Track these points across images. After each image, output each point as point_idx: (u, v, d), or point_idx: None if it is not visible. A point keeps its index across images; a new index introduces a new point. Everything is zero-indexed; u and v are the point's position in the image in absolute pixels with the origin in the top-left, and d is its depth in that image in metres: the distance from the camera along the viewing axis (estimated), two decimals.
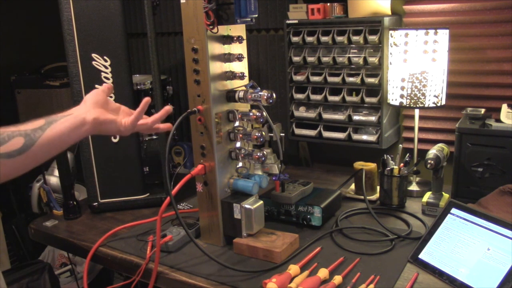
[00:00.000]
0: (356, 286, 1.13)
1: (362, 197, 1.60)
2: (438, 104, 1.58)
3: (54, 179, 1.90)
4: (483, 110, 1.56)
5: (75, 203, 1.66)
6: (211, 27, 1.24)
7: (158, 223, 1.25)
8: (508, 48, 1.59)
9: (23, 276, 1.84)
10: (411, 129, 1.79)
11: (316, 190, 1.55)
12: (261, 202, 1.34)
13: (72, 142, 0.95)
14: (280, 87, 2.06)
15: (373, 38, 1.68)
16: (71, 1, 1.53)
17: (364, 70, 1.75)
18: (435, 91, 1.56)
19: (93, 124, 0.97)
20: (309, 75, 1.85)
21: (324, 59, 1.79)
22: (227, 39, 1.31)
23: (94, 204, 1.67)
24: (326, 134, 1.86)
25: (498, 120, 1.53)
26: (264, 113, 1.31)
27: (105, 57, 1.59)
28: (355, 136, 1.81)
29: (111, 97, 1.60)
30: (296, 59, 1.86)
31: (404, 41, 1.55)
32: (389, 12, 1.74)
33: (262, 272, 1.22)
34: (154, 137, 1.89)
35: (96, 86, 1.59)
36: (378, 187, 1.64)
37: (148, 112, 1.09)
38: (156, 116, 1.12)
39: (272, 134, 1.33)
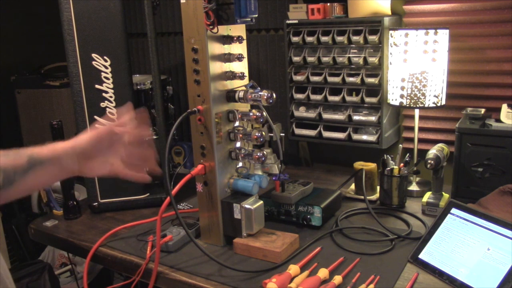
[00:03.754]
0: (356, 286, 1.13)
1: (362, 197, 1.60)
2: (438, 104, 1.58)
3: None
4: (483, 110, 1.56)
5: (75, 203, 1.66)
6: (211, 27, 1.24)
7: (158, 223, 1.25)
8: (508, 48, 1.59)
9: (23, 276, 1.84)
10: (411, 129, 1.79)
11: (316, 190, 1.55)
12: (261, 202, 1.34)
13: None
14: (280, 87, 2.06)
15: (373, 38, 1.68)
16: (71, 1, 1.53)
17: (364, 70, 1.75)
18: (435, 91, 1.56)
19: (80, 173, 0.98)
20: (309, 75, 1.85)
21: (324, 59, 1.79)
22: (227, 39, 1.31)
23: (94, 204, 1.67)
24: (326, 134, 1.86)
25: (498, 120, 1.53)
26: (264, 113, 1.31)
27: (105, 57, 1.59)
28: (355, 136, 1.81)
29: (110, 100, 1.60)
30: (296, 59, 1.86)
31: (404, 41, 1.55)
32: (389, 12, 1.74)
33: (262, 272, 1.22)
34: (154, 137, 1.89)
35: (96, 86, 1.59)
36: (378, 187, 1.64)
37: (148, 113, 1.08)
38: (125, 114, 1.04)
39: (272, 134, 1.33)
